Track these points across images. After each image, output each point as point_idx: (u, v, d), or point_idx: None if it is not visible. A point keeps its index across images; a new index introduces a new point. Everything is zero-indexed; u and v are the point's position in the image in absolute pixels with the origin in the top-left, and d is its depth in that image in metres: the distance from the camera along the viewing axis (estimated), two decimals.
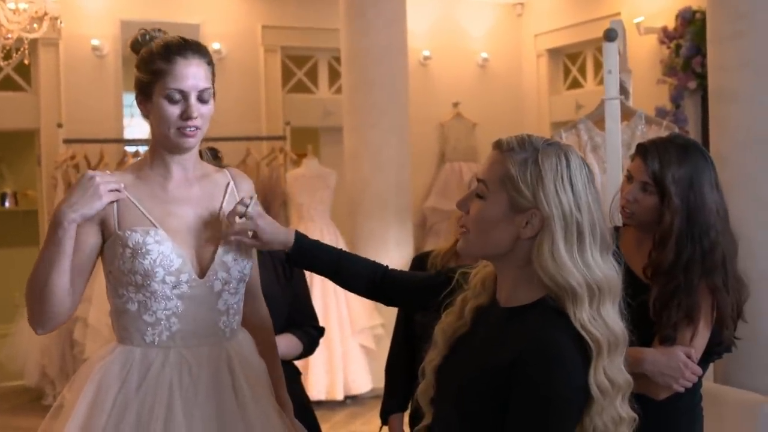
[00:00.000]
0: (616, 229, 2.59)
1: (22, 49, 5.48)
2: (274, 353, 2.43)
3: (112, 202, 2.13)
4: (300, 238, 2.22)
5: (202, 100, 2.15)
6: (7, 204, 9.83)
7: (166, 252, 2.11)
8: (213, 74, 2.21)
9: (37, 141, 7.93)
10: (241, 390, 2.17)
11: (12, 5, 5.37)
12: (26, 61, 5.65)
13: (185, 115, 2.12)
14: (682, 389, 2.35)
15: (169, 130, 2.13)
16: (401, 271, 2.31)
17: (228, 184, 2.29)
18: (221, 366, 2.17)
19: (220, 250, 2.18)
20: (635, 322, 2.32)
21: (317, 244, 2.25)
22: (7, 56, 5.61)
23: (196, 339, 2.17)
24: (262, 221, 2.17)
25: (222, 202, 2.25)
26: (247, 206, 2.16)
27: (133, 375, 2.11)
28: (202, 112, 2.14)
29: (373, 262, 2.28)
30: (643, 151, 2.46)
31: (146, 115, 2.20)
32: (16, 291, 8.58)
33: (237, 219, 2.16)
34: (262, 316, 2.42)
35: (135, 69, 2.19)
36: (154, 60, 2.14)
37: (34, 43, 6.57)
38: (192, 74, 2.13)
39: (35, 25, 5.45)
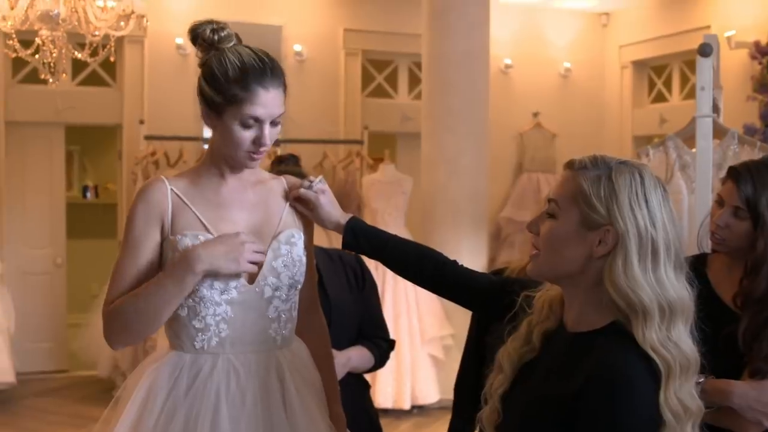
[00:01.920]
0: (705, 255, 2.50)
1: (108, 45, 5.57)
2: (330, 366, 2.39)
3: (164, 201, 2.12)
4: (354, 220, 2.23)
5: (274, 123, 2.12)
6: (88, 196, 10.06)
7: None
8: (285, 93, 2.16)
9: (119, 136, 8.09)
10: (290, 399, 2.14)
11: (100, 3, 5.46)
12: (112, 58, 5.73)
13: (258, 141, 2.10)
14: None
15: (237, 153, 2.12)
16: (462, 268, 2.23)
17: (284, 191, 2.27)
18: (270, 374, 2.14)
19: (269, 255, 2.15)
20: (723, 353, 2.23)
21: (371, 228, 2.25)
22: (94, 53, 5.70)
23: (246, 346, 2.14)
24: (323, 197, 2.22)
25: (276, 209, 2.23)
26: (312, 181, 2.22)
27: (182, 380, 2.11)
28: (272, 135, 2.13)
29: (430, 252, 2.23)
30: (735, 174, 2.37)
31: (211, 127, 2.16)
32: (93, 282, 8.78)
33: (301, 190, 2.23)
34: (318, 327, 2.38)
35: (203, 78, 2.13)
36: (231, 85, 2.07)
37: (120, 40, 6.68)
38: (270, 103, 2.09)
39: (122, 23, 5.53)
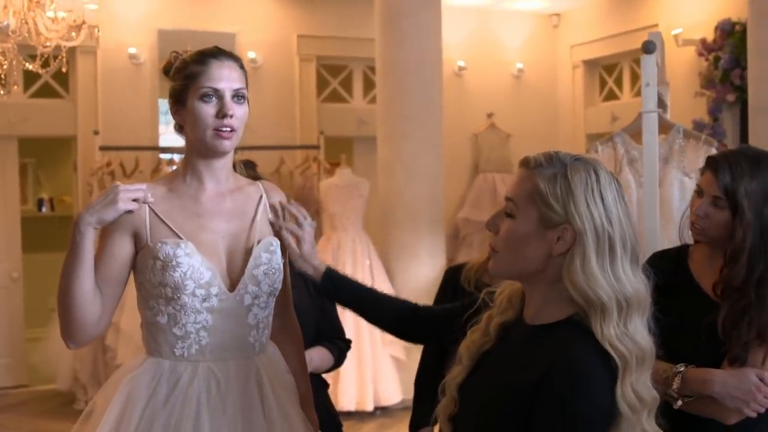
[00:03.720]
0: (687, 246, 2.49)
1: (60, 56, 5.53)
2: (304, 369, 2.41)
3: (139, 212, 2.12)
4: (331, 269, 2.25)
5: (237, 100, 2.15)
6: (43, 209, 9.95)
7: (195, 265, 2.10)
8: (246, 81, 2.21)
9: (73, 147, 8.02)
10: (269, 405, 2.15)
11: (51, 14, 5.42)
12: (64, 69, 5.69)
13: (221, 113, 2.11)
14: (754, 414, 2.21)
15: (205, 133, 2.12)
16: (431, 307, 2.31)
17: (261, 197, 2.28)
18: (250, 381, 2.16)
19: (250, 263, 2.17)
20: (705, 343, 2.25)
21: (347, 278, 2.28)
22: (46, 64, 5.66)
23: (226, 353, 2.15)
24: (309, 236, 2.23)
25: (255, 216, 2.24)
26: (305, 218, 2.24)
27: (162, 388, 2.10)
28: (237, 113, 2.14)
29: (402, 300, 2.29)
30: (713, 164, 2.34)
31: (181, 124, 2.20)
32: (50, 295, 8.65)
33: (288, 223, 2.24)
34: (293, 331, 2.40)
35: (170, 81, 2.21)
36: (188, 66, 2.16)
37: (72, 50, 6.64)
38: (226, 75, 2.14)
39: (73, 34, 5.49)
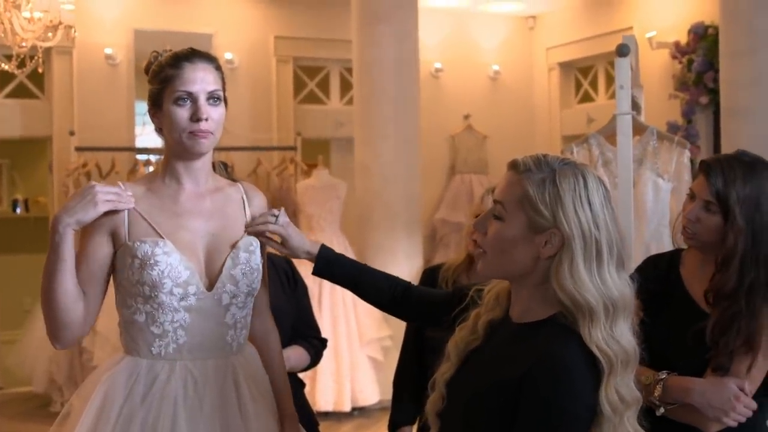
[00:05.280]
0: (680, 251, 2.47)
1: (36, 57, 5.51)
2: (282, 366, 2.42)
3: (116, 211, 2.12)
4: (325, 248, 2.26)
5: (212, 102, 2.16)
6: (18, 210, 9.88)
7: (174, 263, 2.11)
8: (223, 81, 2.22)
9: (49, 148, 7.97)
10: (245, 405, 2.16)
11: (27, 14, 5.40)
12: (40, 69, 5.67)
13: (195, 117, 2.12)
14: (734, 423, 2.20)
15: (181, 135, 2.14)
16: (422, 288, 2.32)
17: (241, 197, 2.29)
18: (227, 380, 2.17)
19: (228, 263, 2.18)
20: (691, 350, 2.24)
21: (341, 256, 2.29)
22: (21, 64, 5.63)
23: (203, 352, 2.16)
24: (290, 229, 2.24)
25: (234, 216, 2.25)
26: (276, 215, 2.23)
27: (139, 386, 2.11)
28: (212, 115, 2.15)
29: (395, 277, 2.30)
30: (706, 168, 2.31)
31: (159, 127, 2.21)
32: (26, 297, 8.63)
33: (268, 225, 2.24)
34: (269, 331, 2.41)
35: (148, 84, 2.22)
36: (163, 69, 2.17)
37: (47, 51, 6.60)
38: (200, 78, 2.15)
39: (50, 34, 5.47)
